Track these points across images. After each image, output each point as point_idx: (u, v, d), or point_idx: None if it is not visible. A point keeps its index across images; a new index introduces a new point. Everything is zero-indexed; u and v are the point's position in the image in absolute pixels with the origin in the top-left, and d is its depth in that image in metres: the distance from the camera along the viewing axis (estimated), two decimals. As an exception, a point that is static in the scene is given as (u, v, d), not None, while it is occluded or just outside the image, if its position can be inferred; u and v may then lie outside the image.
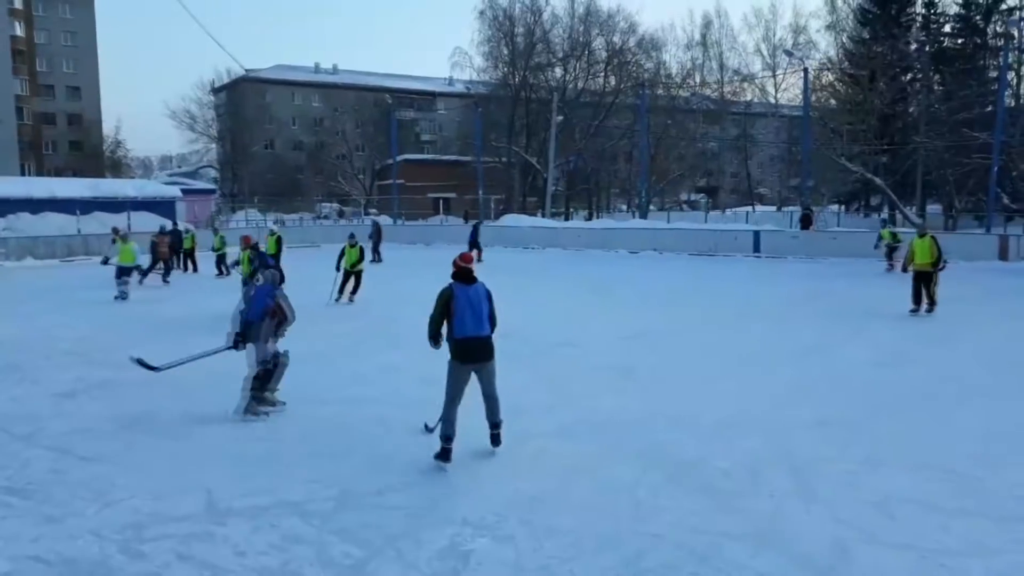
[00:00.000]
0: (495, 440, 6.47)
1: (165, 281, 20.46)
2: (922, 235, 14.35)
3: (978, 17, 38.40)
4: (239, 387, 7.70)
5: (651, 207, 50.53)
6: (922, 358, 10.37)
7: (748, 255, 27.90)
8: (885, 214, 36.58)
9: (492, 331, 6.36)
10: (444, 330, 6.32)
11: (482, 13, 50.28)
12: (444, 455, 6.16)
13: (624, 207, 60.42)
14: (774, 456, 6.36)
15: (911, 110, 39.70)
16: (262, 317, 7.71)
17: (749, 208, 58.32)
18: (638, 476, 5.92)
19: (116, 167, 65.37)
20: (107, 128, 68.27)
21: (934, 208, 41.43)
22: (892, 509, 5.25)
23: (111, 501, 5.52)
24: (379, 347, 11.49)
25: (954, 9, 39.94)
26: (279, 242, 18.47)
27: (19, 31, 62.83)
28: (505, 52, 50.70)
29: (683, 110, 56.27)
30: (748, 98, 62.90)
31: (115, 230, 20.06)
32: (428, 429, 6.86)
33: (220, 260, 21.29)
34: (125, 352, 10.89)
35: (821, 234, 29.21)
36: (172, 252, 22.01)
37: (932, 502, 5.38)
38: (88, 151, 64.55)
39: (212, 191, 57.20)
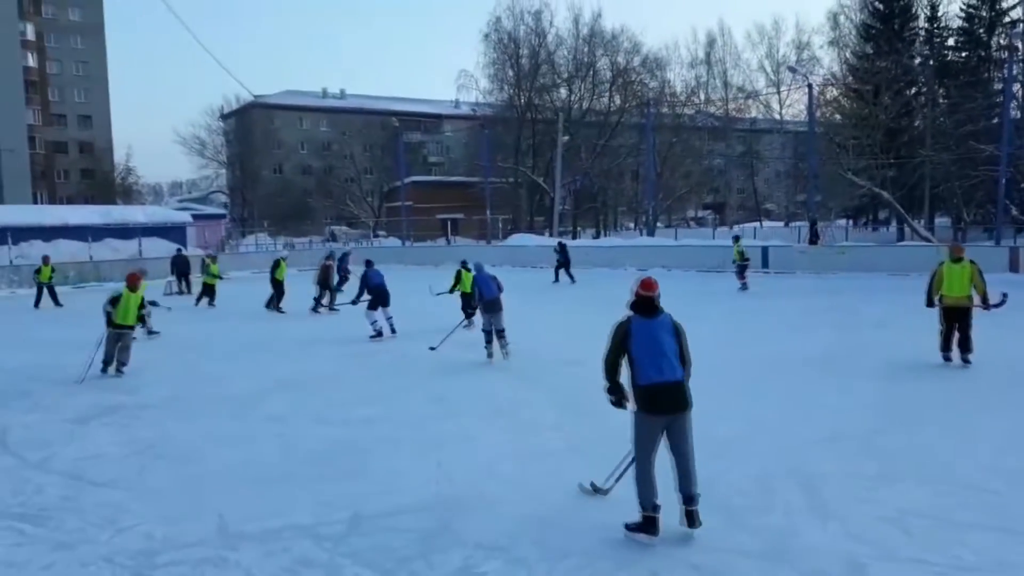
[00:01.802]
0: (690, 519, 5.07)
1: (333, 309, 18.72)
2: (956, 259, 10.61)
3: (981, 30, 38.50)
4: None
5: (658, 224, 50.57)
6: (935, 371, 10.29)
7: (756, 271, 27.80)
8: (738, 230, 36.23)
9: (685, 374, 5.22)
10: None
11: (487, 36, 50.79)
12: (648, 526, 5.01)
13: (631, 225, 60.45)
14: (787, 472, 6.32)
15: (916, 123, 39.67)
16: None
17: (756, 224, 58.24)
18: (650, 494, 5.87)
19: (127, 194, 66.00)
20: (118, 156, 69.12)
21: (943, 221, 41.30)
22: (907, 524, 5.20)
23: (123, 527, 5.52)
24: (388, 367, 11.50)
25: (957, 23, 40.07)
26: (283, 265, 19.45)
27: (32, 62, 63.76)
28: (510, 74, 51.10)
29: (688, 128, 56.45)
30: (753, 115, 63.03)
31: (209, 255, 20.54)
32: (595, 488, 5.77)
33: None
34: (137, 378, 11.02)
35: (828, 248, 29.14)
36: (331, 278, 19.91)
37: (948, 517, 5.33)
38: (99, 178, 65.24)
39: (222, 216, 57.66)
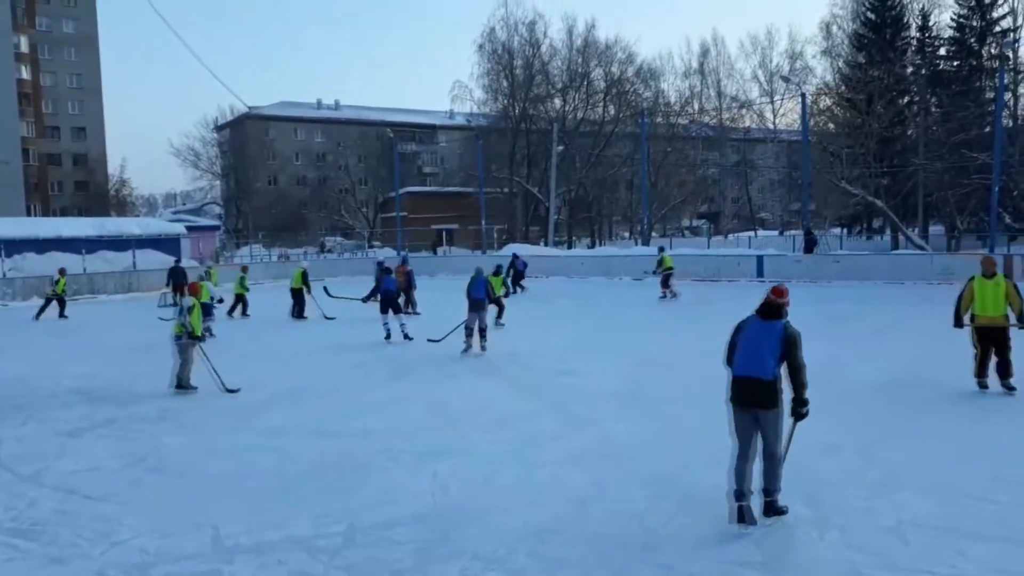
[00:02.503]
0: (766, 509, 5.45)
1: (415, 312, 19.52)
2: (990, 274, 9.40)
3: (972, 39, 38.76)
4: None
5: (653, 234, 50.67)
6: (935, 380, 10.28)
7: (752, 280, 27.88)
8: (666, 243, 36.50)
9: (798, 382, 5.40)
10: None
11: (481, 47, 51.00)
12: (738, 515, 5.31)
13: (626, 234, 60.63)
14: (787, 482, 6.26)
15: (909, 132, 39.92)
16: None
17: (751, 233, 58.44)
18: (649, 504, 5.86)
19: (121, 206, 65.87)
20: (112, 167, 69.03)
21: (936, 229, 41.48)
22: (907, 534, 5.18)
23: (117, 541, 5.46)
24: (386, 377, 11.47)
25: (948, 32, 40.37)
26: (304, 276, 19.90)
27: (25, 74, 63.70)
28: (505, 84, 51.28)
29: (682, 137, 56.72)
30: (747, 124, 63.38)
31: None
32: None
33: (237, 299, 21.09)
34: (131, 390, 10.96)
35: (824, 257, 29.21)
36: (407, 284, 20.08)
37: (949, 526, 5.30)
38: (93, 190, 65.11)
39: (217, 227, 57.57)
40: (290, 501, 6.17)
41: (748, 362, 5.43)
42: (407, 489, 6.36)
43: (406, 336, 14.74)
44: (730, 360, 5.64)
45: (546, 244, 44.67)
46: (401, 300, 17.38)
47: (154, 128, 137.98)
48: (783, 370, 5.44)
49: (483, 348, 13.16)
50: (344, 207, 66.14)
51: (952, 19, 39.88)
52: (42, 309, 21.68)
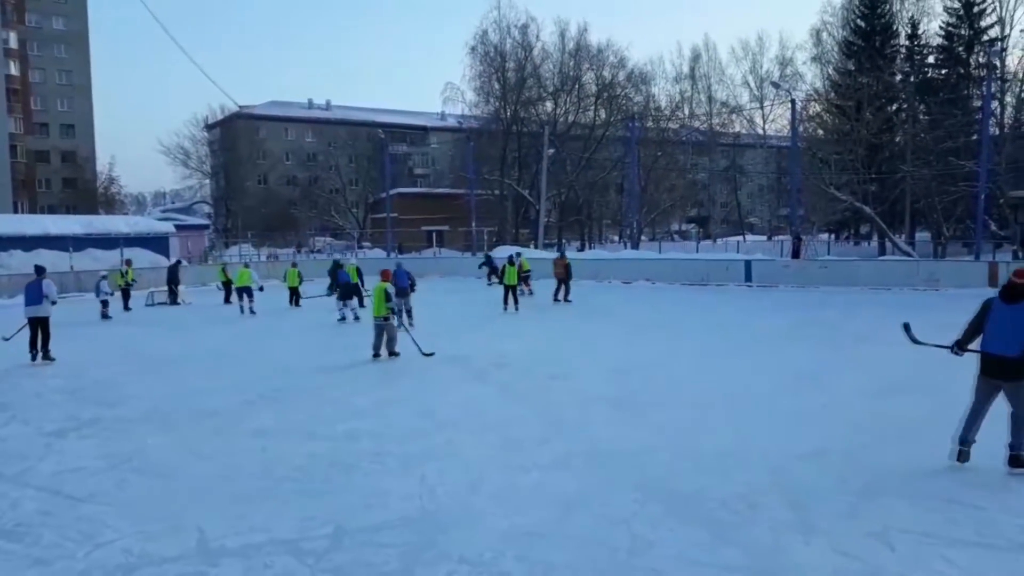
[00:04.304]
0: (1012, 461, 6.44)
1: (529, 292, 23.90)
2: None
3: (960, 48, 39.10)
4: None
5: (643, 237, 50.81)
6: (919, 386, 10.35)
7: (740, 284, 27.98)
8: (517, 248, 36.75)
9: (1019, 353, 6.23)
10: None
11: (473, 49, 50.96)
12: (958, 455, 6.53)
13: (616, 238, 60.75)
14: (773, 487, 6.32)
15: (898, 139, 40.19)
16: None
17: (740, 238, 58.66)
18: (636, 509, 5.86)
19: (110, 204, 65.38)
20: (101, 165, 68.40)
21: (923, 235, 41.78)
22: (892, 540, 5.21)
23: (102, 542, 5.43)
24: (375, 380, 11.44)
25: (937, 41, 40.68)
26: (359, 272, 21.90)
27: (14, 70, 63.18)
28: (496, 87, 51.27)
29: (673, 142, 56.90)
30: (737, 129, 63.63)
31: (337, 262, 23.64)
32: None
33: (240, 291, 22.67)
34: (116, 390, 10.89)
35: (811, 262, 29.37)
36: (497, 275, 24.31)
37: (933, 532, 5.34)
38: (82, 188, 64.60)
39: (206, 227, 57.29)
40: (276, 503, 6.14)
41: (996, 341, 6.31)
42: (394, 492, 6.35)
43: (356, 318, 18.22)
44: (970, 337, 6.60)
45: (536, 247, 44.70)
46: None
47: (144, 126, 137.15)
48: None
49: (411, 324, 15.81)
50: (334, 207, 65.94)
51: (940, 28, 40.24)
52: (226, 296, 23.65)
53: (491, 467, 7.00)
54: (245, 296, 21.00)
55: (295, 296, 22.43)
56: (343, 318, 18.48)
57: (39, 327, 13.19)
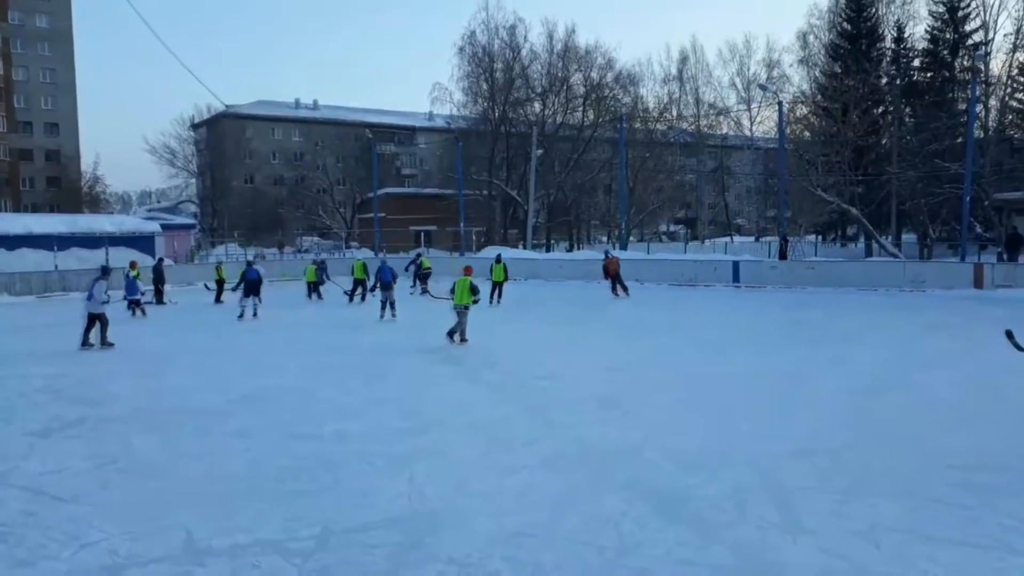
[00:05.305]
0: None
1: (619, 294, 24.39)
2: None
3: (945, 52, 39.38)
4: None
5: (631, 238, 50.89)
6: (904, 385, 10.43)
7: (728, 285, 28.09)
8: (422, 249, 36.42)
9: None
10: None
11: (462, 49, 50.88)
12: None
13: (604, 238, 60.81)
14: (759, 486, 6.34)
15: (884, 141, 40.44)
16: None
17: (728, 239, 58.89)
18: (624, 508, 5.87)
19: (94, 203, 64.93)
20: (85, 164, 67.99)
21: (909, 237, 42.08)
22: (878, 538, 5.24)
23: (87, 543, 5.38)
24: (363, 380, 11.40)
25: (922, 44, 40.96)
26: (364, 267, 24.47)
27: (-3, 68, 62.67)
28: (485, 87, 51.20)
29: (661, 143, 57.03)
30: (724, 131, 63.87)
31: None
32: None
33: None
34: (101, 390, 10.81)
35: (798, 263, 29.52)
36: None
37: (918, 531, 5.38)
38: (66, 187, 64.12)
39: (192, 226, 56.92)
40: (262, 504, 6.11)
41: None
42: (382, 493, 6.33)
43: (255, 314, 19.03)
44: None
45: (524, 247, 44.70)
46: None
47: (129, 125, 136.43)
48: None
49: (394, 315, 18.28)
50: (321, 207, 65.71)
51: (926, 31, 40.51)
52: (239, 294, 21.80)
53: (480, 467, 7.00)
54: (253, 293, 19.56)
55: (316, 290, 25.01)
56: (241, 315, 19.15)
57: (95, 320, 14.64)
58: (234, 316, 19.42)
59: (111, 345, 14.62)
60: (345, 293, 24.36)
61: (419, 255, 27.83)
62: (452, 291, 14.43)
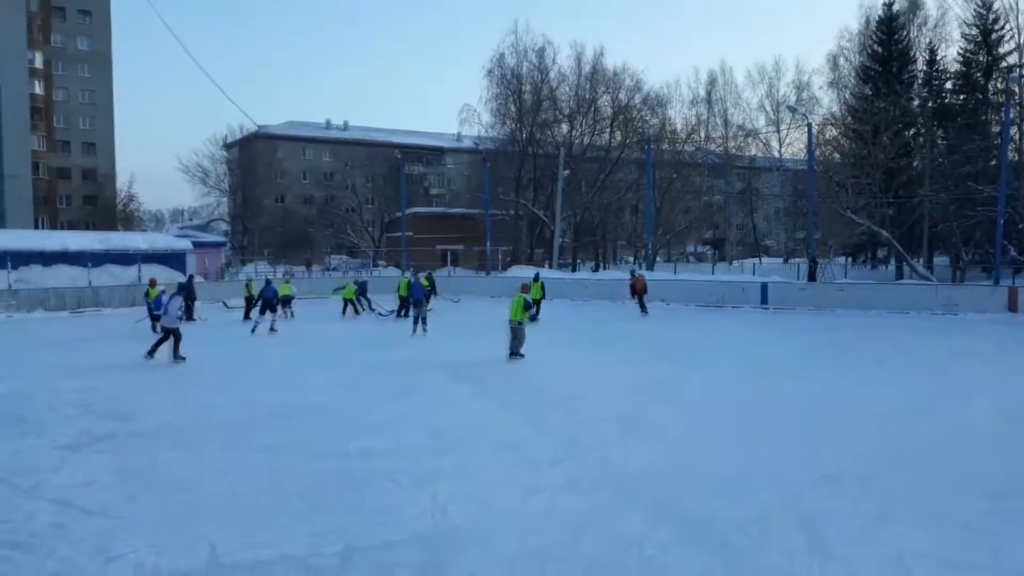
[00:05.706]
0: None
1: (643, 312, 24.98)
2: None
3: (979, 74, 38.92)
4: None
5: (658, 259, 50.70)
6: (934, 411, 10.25)
7: (756, 307, 27.84)
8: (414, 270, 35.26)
9: None
10: None
11: (490, 72, 51.29)
12: None
13: (631, 259, 60.60)
14: (785, 510, 6.25)
15: (915, 164, 39.95)
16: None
17: (756, 260, 58.40)
18: (647, 532, 5.82)
19: (128, 220, 66.11)
20: (121, 182, 69.29)
21: (941, 260, 41.42)
22: (908, 565, 5.14)
23: (113, 556, 5.44)
24: (387, 397, 11.44)
25: (955, 67, 40.53)
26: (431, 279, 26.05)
27: (38, 89, 64.32)
28: (513, 109, 51.52)
29: (688, 164, 56.83)
30: (753, 152, 63.57)
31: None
32: None
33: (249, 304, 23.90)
34: (129, 405, 10.97)
35: (828, 285, 29.16)
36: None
37: (947, 557, 5.27)
38: (101, 205, 65.41)
39: (222, 244, 57.71)
40: (287, 520, 6.14)
41: None
42: (406, 511, 6.34)
43: (272, 328, 19.85)
44: None
45: (550, 267, 44.70)
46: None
47: (164, 145, 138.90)
48: None
49: (425, 331, 18.83)
50: (350, 226, 66.30)
51: (959, 54, 40.07)
52: (256, 311, 22.01)
53: (503, 487, 6.98)
54: (270, 309, 20.42)
55: (353, 306, 25.57)
56: (254, 329, 19.89)
57: (169, 334, 15.02)
58: (259, 332, 19.72)
59: (183, 359, 14.83)
60: (382, 314, 24.82)
61: (414, 272, 28.26)
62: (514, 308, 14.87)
